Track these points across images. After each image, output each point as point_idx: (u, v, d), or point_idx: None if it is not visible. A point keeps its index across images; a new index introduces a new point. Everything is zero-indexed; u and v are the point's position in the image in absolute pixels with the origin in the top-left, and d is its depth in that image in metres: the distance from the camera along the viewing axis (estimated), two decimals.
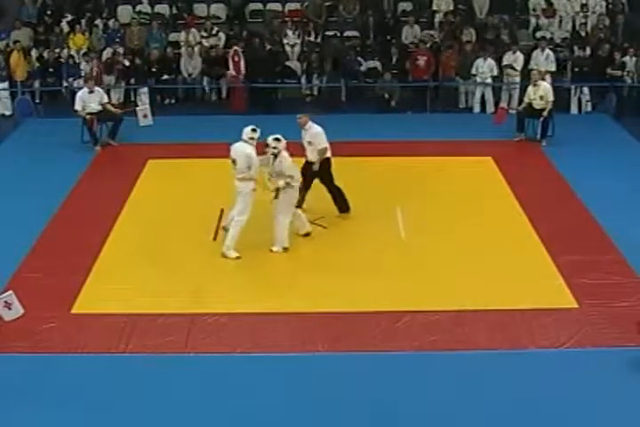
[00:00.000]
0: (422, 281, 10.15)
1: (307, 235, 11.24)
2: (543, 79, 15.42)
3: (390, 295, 9.79)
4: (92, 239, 11.23)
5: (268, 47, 18.25)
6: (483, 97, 17.29)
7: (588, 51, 17.80)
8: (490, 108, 17.23)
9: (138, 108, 15.40)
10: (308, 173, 11.50)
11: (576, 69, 17.48)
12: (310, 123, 11.52)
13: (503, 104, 16.83)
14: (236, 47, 17.70)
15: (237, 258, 10.76)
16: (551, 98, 14.75)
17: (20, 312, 8.60)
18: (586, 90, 17.16)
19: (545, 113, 14.72)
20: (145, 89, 17.38)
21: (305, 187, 11.49)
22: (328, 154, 11.56)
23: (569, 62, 17.61)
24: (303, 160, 11.62)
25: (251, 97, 17.66)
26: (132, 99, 17.55)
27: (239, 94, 17.69)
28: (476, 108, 17.37)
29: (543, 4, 19.52)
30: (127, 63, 17.59)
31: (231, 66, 17.54)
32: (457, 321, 9.28)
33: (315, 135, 11.47)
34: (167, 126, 15.65)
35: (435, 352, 8.75)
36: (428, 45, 18.03)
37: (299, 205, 11.26)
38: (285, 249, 10.88)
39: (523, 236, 11.33)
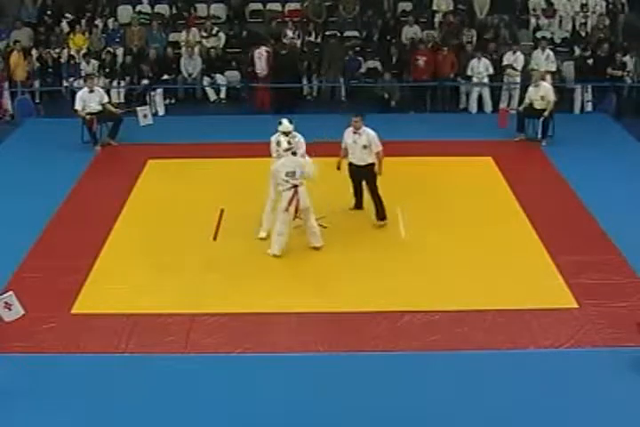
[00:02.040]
0: (422, 281, 10.15)
1: (315, 248, 10.95)
2: (543, 79, 15.40)
3: (390, 295, 9.79)
4: (92, 239, 11.23)
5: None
6: (480, 97, 17.29)
7: (588, 51, 17.78)
8: (487, 108, 17.25)
9: (138, 109, 15.37)
10: (356, 177, 11.51)
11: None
12: (364, 126, 11.34)
13: (503, 105, 16.85)
14: (263, 46, 17.73)
15: (261, 239, 11.10)
16: (552, 98, 14.74)
17: (21, 313, 8.59)
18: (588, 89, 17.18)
19: (546, 113, 14.71)
20: (160, 90, 17.32)
21: (355, 191, 11.68)
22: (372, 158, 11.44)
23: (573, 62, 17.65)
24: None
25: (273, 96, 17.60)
26: (135, 99, 17.54)
27: (264, 93, 17.60)
28: (474, 109, 17.36)
29: (543, 4, 19.53)
30: (147, 81, 17.47)
31: (258, 65, 17.50)
32: (457, 321, 9.28)
33: (372, 139, 11.27)
34: (167, 126, 15.67)
35: (435, 352, 8.76)
36: (430, 45, 18.02)
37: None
38: (275, 256, 10.72)
39: (523, 236, 11.33)
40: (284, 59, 17.56)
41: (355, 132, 11.35)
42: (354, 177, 11.58)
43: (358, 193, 11.84)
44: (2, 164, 14.20)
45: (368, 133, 11.31)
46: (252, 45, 17.98)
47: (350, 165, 11.52)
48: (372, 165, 11.42)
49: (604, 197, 12.35)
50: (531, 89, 14.97)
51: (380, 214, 11.63)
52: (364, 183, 11.65)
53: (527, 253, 10.86)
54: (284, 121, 11.18)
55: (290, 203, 10.52)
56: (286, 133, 11.06)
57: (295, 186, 10.52)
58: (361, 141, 11.31)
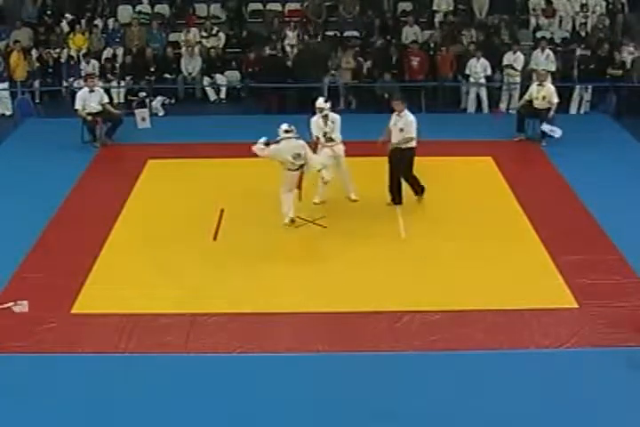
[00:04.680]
0: (422, 281, 10.15)
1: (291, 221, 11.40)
2: (546, 80, 15.38)
3: (390, 295, 9.79)
4: (92, 239, 11.23)
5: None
6: (478, 97, 17.29)
7: (588, 51, 17.78)
8: (485, 108, 17.25)
9: (137, 111, 15.37)
10: (392, 159, 11.88)
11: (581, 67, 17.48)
12: (406, 110, 11.80)
13: (503, 106, 16.90)
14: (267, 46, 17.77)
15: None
16: (555, 100, 14.73)
17: (26, 307, 8.61)
18: (588, 89, 17.16)
19: (550, 114, 14.67)
20: (159, 98, 17.32)
21: (390, 183, 12.03)
22: (414, 143, 11.82)
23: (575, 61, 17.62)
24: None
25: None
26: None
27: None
28: (471, 109, 17.36)
29: (543, 4, 19.54)
30: (144, 94, 17.37)
31: None
32: (457, 321, 9.28)
33: (409, 123, 11.70)
34: (167, 126, 15.67)
35: (435, 352, 8.75)
36: (429, 45, 18.01)
37: (396, 202, 12.07)
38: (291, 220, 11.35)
39: (523, 236, 11.33)
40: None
41: (397, 115, 11.81)
42: (390, 159, 11.89)
43: (394, 185, 12.02)
44: (1, 164, 14.20)
45: (407, 118, 11.75)
46: (252, 45, 18.03)
47: (392, 149, 11.86)
48: (409, 149, 11.77)
49: (604, 197, 12.34)
50: (534, 87, 14.93)
51: (418, 192, 12.19)
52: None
53: (527, 253, 10.86)
54: (321, 99, 12.05)
55: (298, 183, 11.26)
56: (320, 110, 11.83)
57: (302, 166, 11.19)
58: (400, 124, 11.74)
